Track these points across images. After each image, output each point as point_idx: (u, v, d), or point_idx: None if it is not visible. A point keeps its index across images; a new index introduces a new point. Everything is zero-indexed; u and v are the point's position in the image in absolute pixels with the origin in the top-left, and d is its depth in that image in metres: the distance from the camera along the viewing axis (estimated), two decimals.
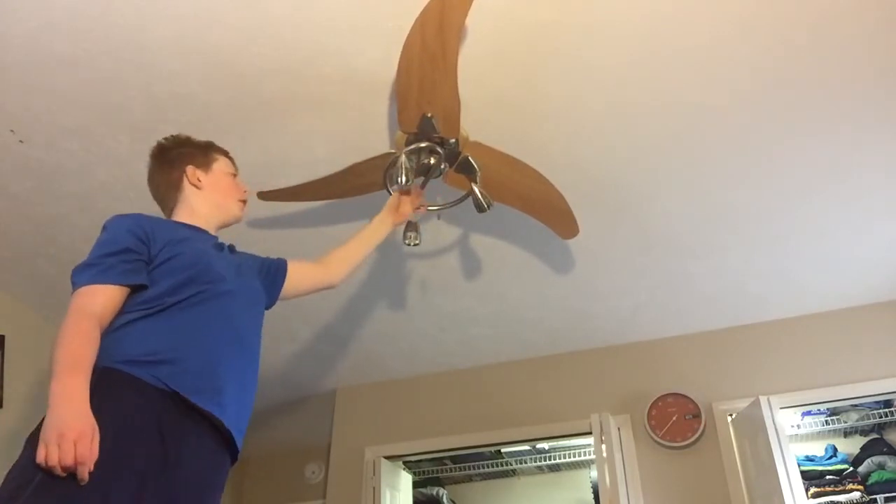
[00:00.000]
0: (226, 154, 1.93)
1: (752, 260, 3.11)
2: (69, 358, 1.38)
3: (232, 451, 1.60)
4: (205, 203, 1.82)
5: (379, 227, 2.28)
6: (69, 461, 1.26)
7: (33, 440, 1.36)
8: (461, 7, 1.85)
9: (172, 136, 1.88)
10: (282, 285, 2.00)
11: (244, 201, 1.92)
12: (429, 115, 2.07)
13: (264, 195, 2.43)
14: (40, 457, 1.26)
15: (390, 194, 2.37)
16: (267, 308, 1.94)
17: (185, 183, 1.81)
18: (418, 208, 2.36)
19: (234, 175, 1.92)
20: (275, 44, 2.05)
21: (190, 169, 1.82)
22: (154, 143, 1.85)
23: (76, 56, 2.05)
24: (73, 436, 1.27)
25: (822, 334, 3.47)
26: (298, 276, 2.04)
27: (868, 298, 3.42)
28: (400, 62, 1.96)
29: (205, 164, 1.85)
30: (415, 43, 1.91)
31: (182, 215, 1.79)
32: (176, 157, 1.83)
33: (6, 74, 2.09)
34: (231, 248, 1.87)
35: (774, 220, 2.86)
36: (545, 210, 2.51)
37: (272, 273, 1.98)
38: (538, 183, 2.38)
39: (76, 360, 1.38)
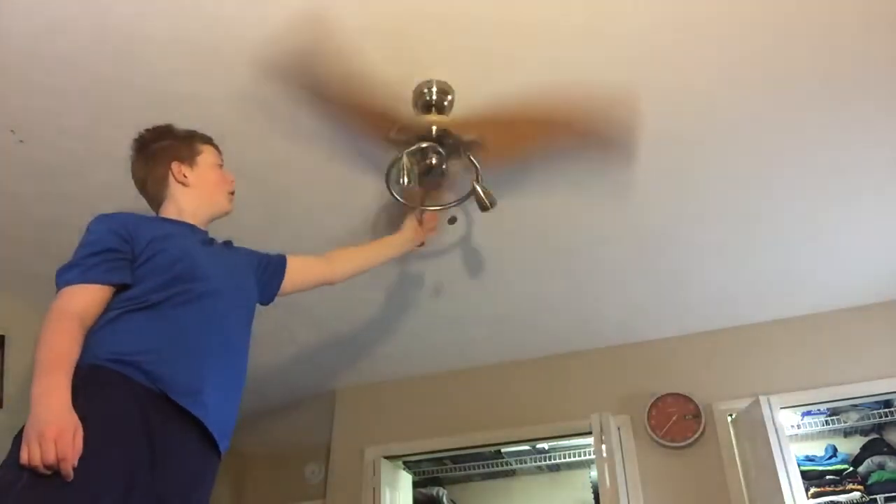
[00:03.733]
0: (209, 142, 1.89)
1: (752, 260, 3.11)
2: (49, 358, 1.38)
3: (218, 451, 1.59)
4: (192, 199, 1.80)
5: (398, 245, 2.29)
6: (51, 459, 1.26)
7: (19, 440, 1.36)
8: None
9: (154, 127, 1.84)
10: (280, 282, 1.99)
11: (232, 193, 1.90)
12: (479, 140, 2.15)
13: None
14: (23, 457, 1.27)
15: (392, 194, 2.37)
16: (265, 304, 1.94)
17: (171, 180, 1.79)
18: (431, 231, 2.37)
19: (220, 165, 1.89)
20: (275, 44, 2.04)
21: (175, 165, 1.79)
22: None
23: (76, 56, 2.04)
24: (53, 433, 1.27)
25: (822, 334, 3.47)
26: (298, 271, 2.04)
27: (868, 298, 3.43)
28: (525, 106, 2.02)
29: (190, 159, 1.82)
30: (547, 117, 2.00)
31: (170, 211, 1.77)
32: (159, 152, 1.80)
33: (6, 74, 2.09)
34: (227, 244, 1.85)
35: (774, 219, 2.86)
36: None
37: (270, 269, 1.97)
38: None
39: (56, 359, 1.38)
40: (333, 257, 2.17)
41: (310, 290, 3.17)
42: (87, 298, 1.51)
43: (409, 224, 2.38)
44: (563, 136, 2.33)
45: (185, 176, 1.80)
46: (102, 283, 1.53)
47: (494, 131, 2.25)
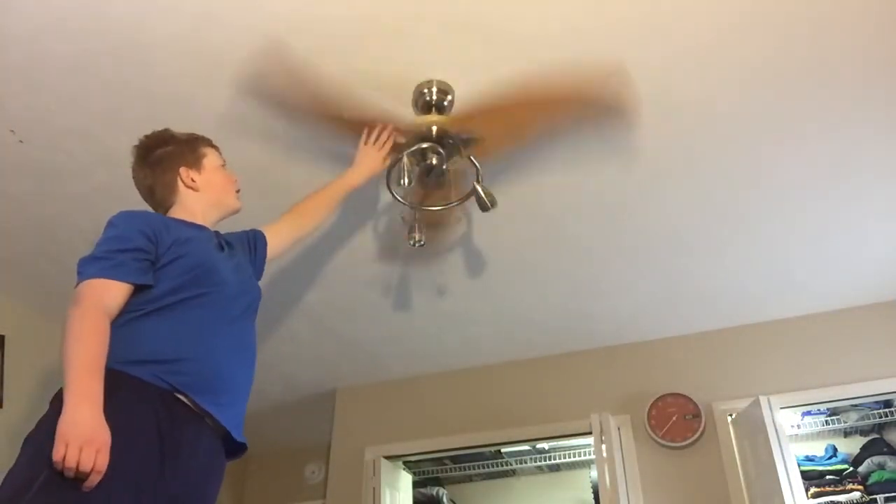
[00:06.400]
0: (210, 144, 1.90)
1: (752, 260, 3.11)
2: (89, 357, 1.37)
3: (230, 447, 1.62)
4: (201, 202, 1.82)
5: (351, 180, 2.24)
6: (88, 467, 1.26)
7: (33, 442, 1.36)
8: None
9: (153, 133, 1.84)
10: (265, 257, 2.02)
11: (238, 190, 1.92)
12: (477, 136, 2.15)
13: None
14: (58, 455, 1.26)
15: (392, 195, 2.37)
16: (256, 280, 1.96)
17: (181, 185, 1.80)
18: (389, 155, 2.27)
19: (223, 165, 1.91)
20: (274, 44, 2.04)
21: (183, 171, 1.80)
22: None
23: (76, 56, 2.05)
24: (99, 444, 1.28)
25: (822, 334, 3.47)
26: (275, 240, 2.06)
27: (868, 298, 3.43)
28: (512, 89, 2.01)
29: (196, 163, 1.83)
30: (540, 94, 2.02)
31: (179, 215, 1.78)
32: (164, 158, 1.80)
33: (6, 74, 2.09)
34: (217, 235, 1.86)
35: (774, 220, 2.86)
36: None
37: (256, 247, 2.00)
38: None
39: (96, 361, 1.38)
40: (301, 212, 2.16)
41: (308, 287, 3.21)
42: (116, 295, 1.50)
43: (365, 155, 2.24)
44: (561, 114, 2.28)
45: (193, 180, 1.81)
46: (131, 282, 1.52)
47: (493, 123, 2.21)
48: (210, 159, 1.87)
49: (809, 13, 2.00)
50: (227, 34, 2.01)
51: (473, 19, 1.98)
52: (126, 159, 1.89)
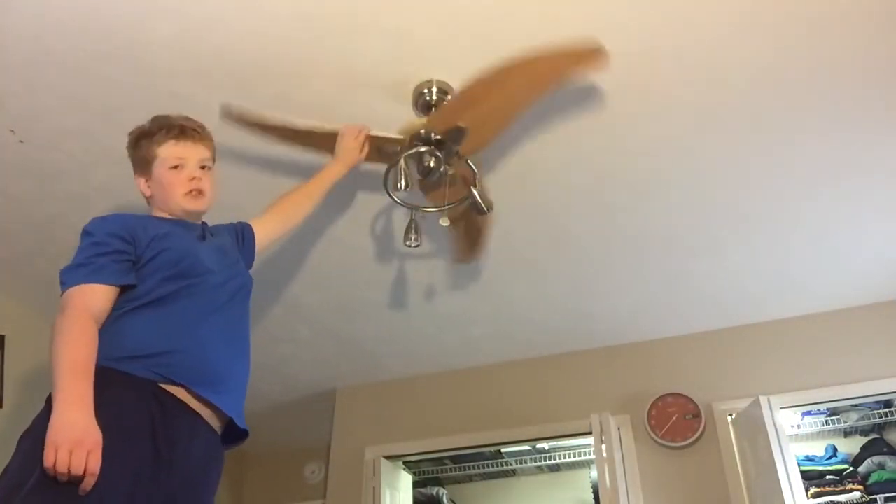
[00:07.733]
0: (166, 137, 1.74)
1: (752, 260, 3.11)
2: (78, 360, 1.38)
3: (232, 434, 1.63)
4: (163, 205, 1.77)
5: (339, 174, 2.23)
6: (80, 471, 1.26)
7: (27, 440, 1.36)
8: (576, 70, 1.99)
9: (132, 131, 1.81)
10: (254, 249, 2.02)
11: (195, 191, 1.74)
12: (463, 126, 2.07)
13: (227, 114, 2.20)
14: (49, 461, 1.26)
15: (390, 197, 2.36)
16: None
17: (142, 192, 1.80)
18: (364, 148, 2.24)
19: (177, 166, 1.74)
20: (275, 44, 2.04)
21: (136, 178, 1.78)
22: None
23: (76, 56, 2.04)
24: (89, 446, 1.28)
25: (822, 334, 3.47)
26: (263, 234, 2.06)
27: (868, 298, 3.43)
28: (489, 71, 1.97)
29: (144, 169, 1.76)
30: (518, 67, 1.95)
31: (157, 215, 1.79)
32: (132, 163, 1.81)
33: (6, 74, 2.09)
34: (203, 227, 1.86)
35: (774, 220, 2.86)
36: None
37: (245, 240, 2.00)
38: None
39: (85, 364, 1.38)
40: (286, 206, 2.15)
41: (307, 287, 3.20)
42: (101, 299, 1.51)
43: (343, 148, 2.21)
44: (542, 82, 2.11)
45: (147, 187, 1.77)
46: (114, 283, 1.53)
47: (477, 108, 2.13)
48: (161, 160, 1.74)
49: (809, 13, 2.00)
50: (227, 34, 2.01)
51: (474, 19, 1.98)
52: (126, 159, 1.88)
